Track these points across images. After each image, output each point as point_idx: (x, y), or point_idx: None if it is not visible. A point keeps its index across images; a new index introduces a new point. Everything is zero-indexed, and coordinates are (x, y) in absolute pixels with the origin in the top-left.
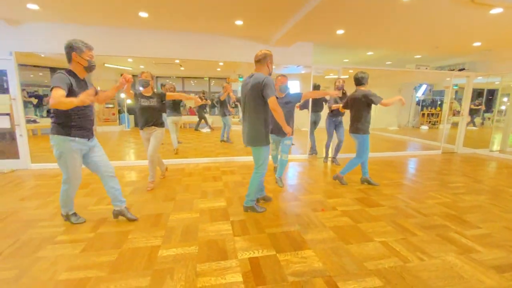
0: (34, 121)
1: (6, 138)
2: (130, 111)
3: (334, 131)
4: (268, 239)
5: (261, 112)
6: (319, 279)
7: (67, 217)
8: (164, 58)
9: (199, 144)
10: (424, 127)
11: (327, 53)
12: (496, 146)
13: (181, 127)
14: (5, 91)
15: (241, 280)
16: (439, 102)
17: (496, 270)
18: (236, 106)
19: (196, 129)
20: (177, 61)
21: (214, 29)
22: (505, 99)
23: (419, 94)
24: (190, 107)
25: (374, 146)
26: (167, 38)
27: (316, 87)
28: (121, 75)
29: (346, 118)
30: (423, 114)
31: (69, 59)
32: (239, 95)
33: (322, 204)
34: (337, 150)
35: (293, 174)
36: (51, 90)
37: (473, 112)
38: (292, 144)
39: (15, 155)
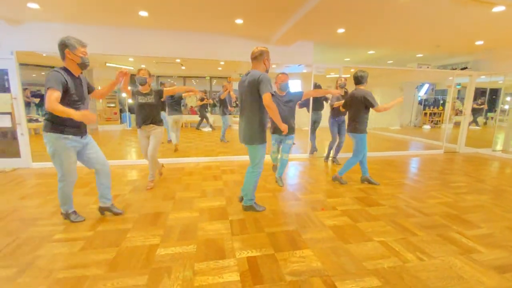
0: (36, 120)
1: (8, 137)
2: (132, 110)
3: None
4: (267, 238)
5: (258, 110)
6: (317, 279)
7: (66, 216)
8: (165, 57)
9: (200, 143)
10: (426, 127)
11: (328, 52)
12: (499, 146)
13: (182, 126)
14: (6, 90)
15: (238, 279)
16: (441, 102)
17: (496, 270)
18: (237, 105)
19: (198, 128)
20: (178, 60)
21: (214, 28)
22: (508, 99)
23: (421, 93)
24: (192, 107)
25: (375, 146)
26: (168, 37)
27: (317, 87)
28: (119, 72)
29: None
30: (425, 114)
31: (63, 56)
32: None
33: (322, 204)
34: (337, 150)
35: (293, 173)
36: (46, 90)
37: (475, 112)
38: (293, 144)
39: (16, 154)
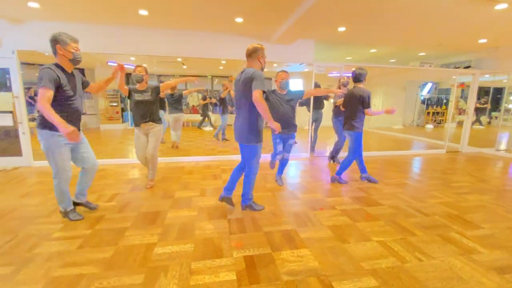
0: None
1: (9, 136)
2: None
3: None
4: (264, 237)
5: (254, 109)
6: (314, 279)
7: (65, 214)
8: (166, 56)
9: (201, 142)
10: (429, 126)
11: (329, 50)
12: (503, 145)
13: (184, 125)
14: (8, 89)
15: (234, 278)
16: (444, 101)
17: (496, 271)
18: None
19: (199, 127)
20: (179, 59)
21: (214, 27)
22: None
23: (425, 92)
24: (193, 106)
25: (377, 145)
26: (169, 36)
27: (317, 86)
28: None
29: None
30: (428, 113)
31: (54, 52)
32: None
33: (321, 203)
34: (336, 149)
35: (293, 173)
36: (39, 88)
37: (478, 111)
38: (295, 143)
39: (18, 152)
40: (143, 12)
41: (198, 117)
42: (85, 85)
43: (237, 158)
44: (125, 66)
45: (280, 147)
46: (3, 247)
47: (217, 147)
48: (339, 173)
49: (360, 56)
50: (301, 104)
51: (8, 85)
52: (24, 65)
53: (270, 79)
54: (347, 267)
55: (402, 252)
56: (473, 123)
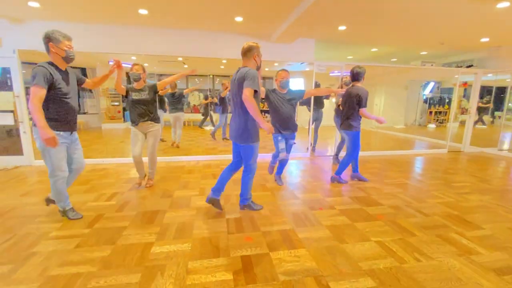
0: None
1: (10, 135)
2: None
3: None
4: (262, 237)
5: (258, 107)
6: (311, 279)
7: (64, 213)
8: (167, 55)
9: (202, 142)
10: (431, 126)
11: (330, 49)
12: (506, 145)
13: (185, 124)
14: (9, 88)
15: (231, 278)
16: (447, 100)
17: (496, 272)
18: None
19: (200, 127)
20: (180, 58)
21: (214, 26)
22: None
23: (427, 91)
24: (194, 105)
25: (378, 144)
26: (170, 35)
27: (317, 85)
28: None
29: None
30: (431, 112)
31: (47, 50)
32: None
33: (320, 203)
34: (339, 148)
35: (293, 172)
36: (32, 86)
37: (481, 110)
38: (294, 143)
39: (19, 151)
40: (143, 12)
41: (198, 117)
42: (81, 81)
43: None
44: (123, 64)
45: (282, 145)
46: (2, 246)
47: (218, 146)
48: (338, 172)
49: (361, 55)
50: (302, 104)
51: (9, 84)
52: (25, 64)
53: (271, 78)
54: (344, 267)
55: (400, 253)
56: (475, 123)
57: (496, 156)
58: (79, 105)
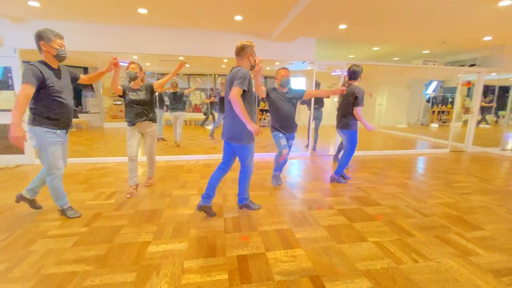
0: None
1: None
2: None
3: None
4: (259, 236)
5: (245, 107)
6: (306, 279)
7: (62, 211)
8: (168, 55)
9: (203, 141)
10: (434, 125)
11: (332, 48)
12: (509, 145)
13: (186, 123)
14: (10, 87)
15: (226, 277)
16: (450, 100)
17: (494, 274)
18: None
19: (202, 126)
20: (181, 58)
21: (214, 25)
22: None
23: (430, 91)
24: (196, 104)
25: (380, 144)
26: (169, 35)
27: (317, 84)
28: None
29: None
30: (433, 112)
31: (39, 49)
32: None
33: (319, 203)
34: (340, 148)
35: (292, 172)
36: (21, 83)
37: (484, 110)
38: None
39: (20, 150)
40: (142, 11)
41: (200, 116)
42: (75, 78)
43: None
44: (121, 63)
45: (284, 141)
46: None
47: (218, 145)
48: (337, 172)
49: (363, 54)
50: (302, 103)
51: (10, 83)
52: (26, 63)
53: (272, 77)
54: (340, 268)
55: (398, 253)
56: (479, 122)
57: (499, 156)
58: (81, 104)
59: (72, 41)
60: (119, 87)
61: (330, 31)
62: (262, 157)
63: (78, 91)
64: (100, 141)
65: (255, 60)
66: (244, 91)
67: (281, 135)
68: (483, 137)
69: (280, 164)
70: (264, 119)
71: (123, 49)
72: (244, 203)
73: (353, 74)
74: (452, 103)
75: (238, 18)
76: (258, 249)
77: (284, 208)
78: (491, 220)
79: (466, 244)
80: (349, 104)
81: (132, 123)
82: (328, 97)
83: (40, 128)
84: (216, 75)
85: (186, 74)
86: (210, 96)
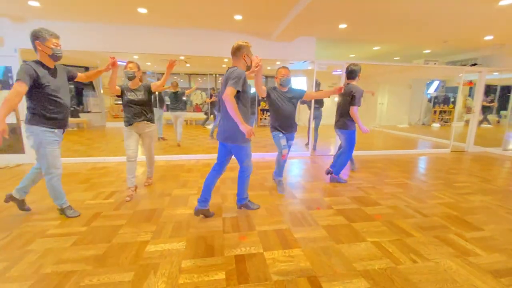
0: None
1: (12, 133)
2: None
3: None
4: (257, 236)
5: (240, 108)
6: (304, 279)
7: (62, 211)
8: (167, 54)
9: (203, 141)
10: (436, 125)
11: (332, 48)
12: (511, 145)
13: (187, 123)
14: (11, 87)
15: (223, 277)
16: (452, 99)
17: (493, 274)
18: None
19: (203, 125)
20: (182, 57)
21: (214, 25)
22: None
23: (431, 90)
24: (196, 104)
25: (381, 144)
26: (169, 34)
27: (317, 84)
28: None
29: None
30: (435, 112)
31: (34, 48)
32: None
33: (318, 203)
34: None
35: (292, 172)
36: (15, 81)
37: (485, 110)
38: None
39: (20, 150)
40: (142, 10)
41: (200, 116)
42: (72, 76)
43: None
44: (119, 62)
45: (283, 141)
46: None
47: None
48: (337, 172)
49: (363, 54)
50: (302, 102)
51: (10, 83)
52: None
53: (273, 77)
54: (338, 268)
55: (396, 253)
56: (480, 122)
57: (500, 156)
58: (82, 103)
59: (72, 41)
60: (117, 87)
61: (330, 31)
62: (262, 157)
63: (80, 91)
64: (101, 141)
65: (251, 61)
66: (238, 91)
67: (281, 135)
68: (484, 137)
69: (281, 166)
70: (265, 118)
71: (123, 49)
72: (243, 203)
73: (351, 73)
74: (454, 102)
75: (238, 17)
76: (256, 249)
77: (283, 208)
78: (491, 220)
79: (466, 244)
80: (347, 104)
81: (129, 123)
82: (328, 97)
83: (38, 127)
84: (217, 75)
85: (187, 74)
86: (211, 95)
